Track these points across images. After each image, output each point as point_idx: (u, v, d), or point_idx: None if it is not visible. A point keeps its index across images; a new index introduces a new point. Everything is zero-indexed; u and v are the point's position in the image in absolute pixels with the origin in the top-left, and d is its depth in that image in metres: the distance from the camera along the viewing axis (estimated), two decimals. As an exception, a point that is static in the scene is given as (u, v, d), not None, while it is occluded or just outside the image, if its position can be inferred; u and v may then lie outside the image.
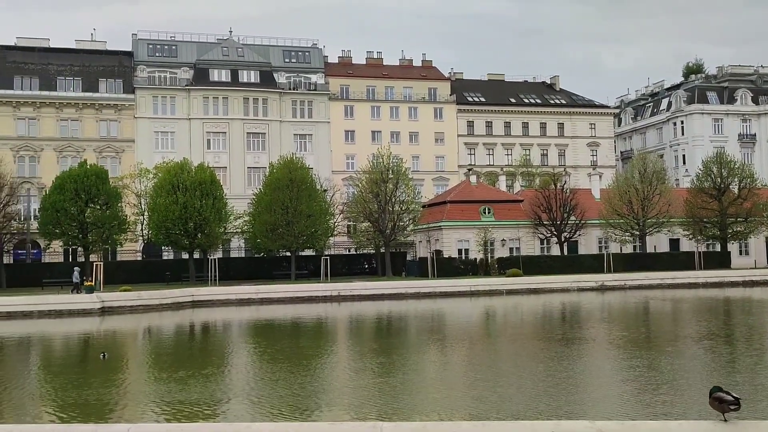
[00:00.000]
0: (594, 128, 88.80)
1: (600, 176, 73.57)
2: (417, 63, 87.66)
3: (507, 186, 73.47)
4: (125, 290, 44.51)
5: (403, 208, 63.23)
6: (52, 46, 75.41)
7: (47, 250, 65.34)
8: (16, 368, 23.65)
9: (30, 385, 19.57)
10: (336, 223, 66.53)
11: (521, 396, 16.14)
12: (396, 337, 30.29)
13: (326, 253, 63.72)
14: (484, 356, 23.07)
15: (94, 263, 51.63)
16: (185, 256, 61.89)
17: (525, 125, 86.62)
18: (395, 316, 39.69)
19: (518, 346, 25.21)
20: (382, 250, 64.00)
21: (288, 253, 61.79)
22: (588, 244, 66.81)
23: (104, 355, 23.65)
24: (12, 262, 63.58)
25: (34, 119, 71.73)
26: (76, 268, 49.70)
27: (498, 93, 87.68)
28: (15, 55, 73.56)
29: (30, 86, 72.48)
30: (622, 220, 62.34)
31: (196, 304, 45.07)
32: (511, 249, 64.25)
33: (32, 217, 64.14)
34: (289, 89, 78.87)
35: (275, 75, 78.91)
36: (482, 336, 29.93)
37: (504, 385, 17.37)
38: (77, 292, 44.33)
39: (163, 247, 65.54)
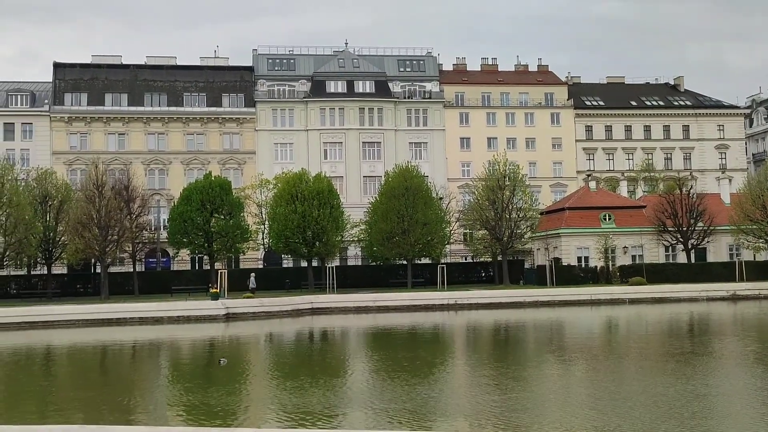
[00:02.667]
0: (723, 130, 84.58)
1: (730, 180, 69.93)
2: (533, 68, 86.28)
3: (628, 192, 70.98)
4: (248, 297, 45.86)
5: (521, 216, 62.23)
6: (178, 63, 78.95)
7: (176, 259, 68.30)
8: (147, 372, 24.77)
9: (159, 389, 20.40)
10: (452, 231, 66.23)
11: (648, 416, 15.38)
12: (514, 347, 29.75)
13: (442, 261, 63.50)
14: (607, 371, 22.07)
15: (219, 271, 53.53)
16: (304, 264, 63.22)
17: (647, 128, 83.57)
18: (513, 325, 39.04)
19: (643, 361, 24.14)
20: (499, 258, 63.18)
21: (404, 262, 62.01)
22: (717, 251, 63.58)
23: (223, 361, 24.35)
24: (144, 269, 66.78)
25: (163, 134, 75.29)
26: (252, 274, 52.03)
27: (618, 96, 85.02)
28: (145, 73, 77.52)
29: (159, 102, 76.16)
30: (755, 226, 58.92)
31: (315, 312, 45.89)
32: (633, 257, 62.03)
33: (162, 227, 67.26)
34: (404, 98, 79.34)
35: (390, 84, 79.59)
36: (604, 348, 28.92)
37: (628, 405, 16.57)
38: (251, 296, 47.15)
39: (282, 256, 67.24)
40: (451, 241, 66.74)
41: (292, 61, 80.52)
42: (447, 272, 56.60)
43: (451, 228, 65.52)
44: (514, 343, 31.51)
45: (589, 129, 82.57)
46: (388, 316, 44.21)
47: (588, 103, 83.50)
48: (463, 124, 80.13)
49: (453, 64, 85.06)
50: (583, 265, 61.02)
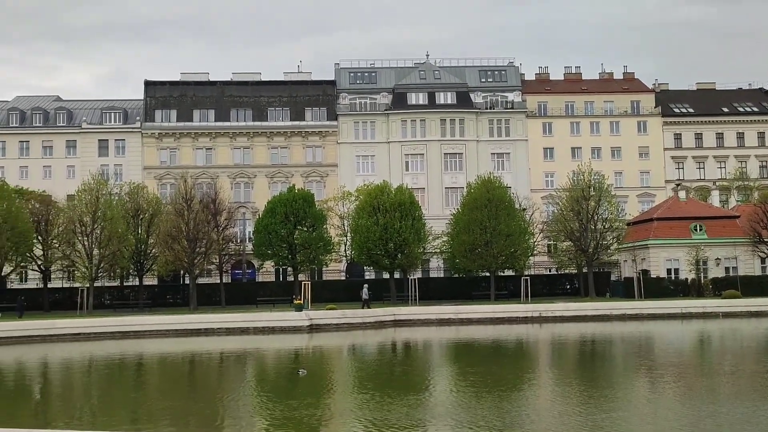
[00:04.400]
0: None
1: (831, 188, 66.55)
2: (618, 76, 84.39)
3: (720, 201, 68.40)
4: (331, 309, 46.25)
5: (606, 226, 60.76)
6: (263, 79, 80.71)
7: (260, 270, 69.54)
8: (233, 382, 25.21)
9: (244, 399, 20.71)
10: (536, 243, 65.22)
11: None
12: (601, 362, 28.97)
13: (526, 273, 62.58)
14: (701, 390, 21.00)
15: (303, 282, 54.20)
16: (386, 275, 63.36)
17: (740, 135, 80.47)
18: (600, 339, 38.06)
19: (740, 380, 23.07)
20: (585, 270, 61.82)
21: (487, 274, 61.40)
22: (818, 263, 60.52)
23: (302, 372, 24.53)
24: (230, 281, 68.21)
25: (248, 148, 77.00)
26: (365, 286, 52.80)
27: (708, 102, 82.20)
28: (231, 89, 79.51)
29: (244, 117, 77.97)
30: None
31: (397, 324, 45.88)
32: (726, 269, 59.64)
33: (247, 239, 68.65)
34: (486, 109, 78.83)
35: (471, 95, 79.23)
36: (697, 364, 27.82)
37: (727, 430, 15.81)
38: (367, 307, 47.94)
39: (365, 267, 67.57)
40: (535, 252, 65.68)
41: (373, 74, 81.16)
42: (531, 284, 55.71)
43: (534, 239, 64.52)
44: (601, 358, 30.68)
45: (678, 137, 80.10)
46: (471, 328, 43.80)
47: (677, 110, 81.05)
48: (547, 134, 78.99)
49: (535, 74, 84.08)
50: (673, 278, 59.11)
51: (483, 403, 18.42)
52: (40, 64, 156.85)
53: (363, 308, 48.28)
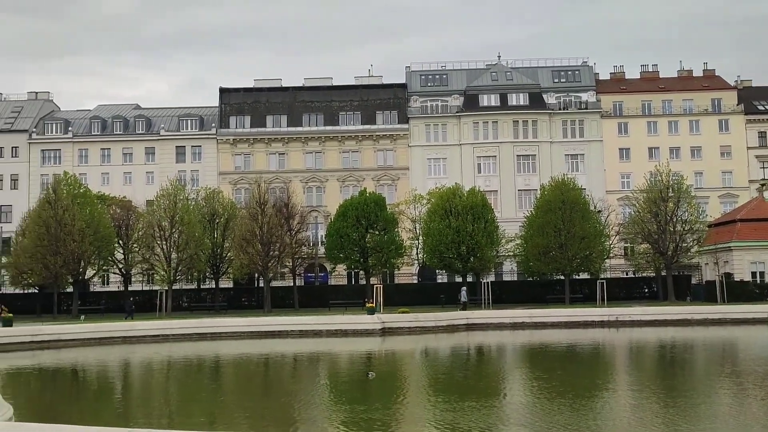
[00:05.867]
0: None
1: None
2: (697, 73, 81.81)
3: (809, 201, 65.50)
4: (403, 312, 46.16)
5: (686, 228, 58.98)
6: (334, 84, 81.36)
7: (333, 273, 70.02)
8: (305, 383, 25.36)
9: (316, 401, 20.79)
10: (612, 245, 63.74)
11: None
12: (681, 369, 28.00)
13: (602, 276, 61.21)
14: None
15: (375, 286, 54.30)
16: (459, 279, 62.93)
17: (829, 132, 77.01)
18: (680, 344, 36.86)
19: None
20: (663, 273, 60.11)
21: (561, 277, 60.34)
22: None
23: (371, 375, 24.49)
24: (303, 284, 68.92)
25: (320, 152, 77.70)
26: (463, 288, 53.12)
27: (794, 98, 78.90)
28: (303, 95, 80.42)
29: (316, 122, 78.74)
30: None
31: (470, 327, 45.46)
32: (816, 272, 57.10)
33: (319, 243, 69.23)
34: (559, 109, 77.57)
35: (544, 96, 78.07)
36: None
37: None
38: (463, 310, 48.42)
39: (437, 271, 67.28)
40: (611, 255, 64.22)
41: (444, 76, 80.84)
42: (607, 288, 54.45)
43: (610, 242, 63.09)
44: (681, 364, 29.66)
45: (762, 135, 77.13)
46: (545, 332, 43.05)
47: (761, 107, 78.03)
48: (622, 135, 77.19)
49: (610, 73, 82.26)
50: (758, 281, 56.89)
51: (558, 409, 17.99)
52: (120, 74, 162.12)
53: (461, 310, 48.62)
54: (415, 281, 70.52)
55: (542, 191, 62.79)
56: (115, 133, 79.23)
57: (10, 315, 45.87)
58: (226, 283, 66.51)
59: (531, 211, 63.11)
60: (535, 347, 36.78)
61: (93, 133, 79.15)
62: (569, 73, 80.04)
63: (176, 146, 78.24)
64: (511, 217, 71.97)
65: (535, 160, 76.30)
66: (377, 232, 60.36)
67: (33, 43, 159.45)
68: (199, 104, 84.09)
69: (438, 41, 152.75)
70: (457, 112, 77.47)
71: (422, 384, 24.50)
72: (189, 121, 79.34)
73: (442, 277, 69.55)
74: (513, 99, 77.86)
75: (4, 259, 63.39)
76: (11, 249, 62.96)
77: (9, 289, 65.94)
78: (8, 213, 75.94)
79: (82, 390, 25.23)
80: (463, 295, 51.93)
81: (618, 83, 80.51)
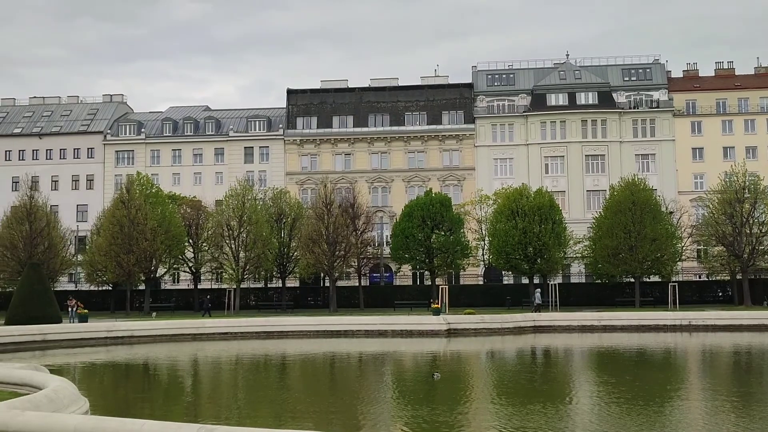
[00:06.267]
0: None
1: None
2: (776, 69, 79.02)
3: None
4: (469, 313, 45.85)
5: (763, 231, 57.02)
6: (400, 84, 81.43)
7: (398, 274, 70.09)
8: (370, 383, 25.39)
9: (381, 400, 20.77)
10: (684, 248, 62.06)
11: None
12: (758, 376, 26.99)
13: (673, 279, 59.65)
14: None
15: (440, 287, 54.12)
16: (525, 280, 62.21)
17: None
18: (757, 350, 35.58)
19: None
20: (739, 277, 58.21)
21: (631, 279, 59.05)
22: None
23: (436, 375, 24.35)
24: (368, 284, 69.18)
25: (386, 153, 77.87)
26: (537, 290, 53.06)
27: None
28: (369, 95, 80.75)
29: (382, 123, 78.95)
30: None
31: (537, 330, 44.85)
32: None
33: (385, 243, 69.37)
34: (629, 108, 75.92)
35: (614, 95, 76.54)
36: None
37: None
38: (537, 311, 48.25)
39: (503, 272, 66.67)
40: (683, 257, 62.52)
41: (511, 75, 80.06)
42: (678, 291, 53.04)
43: (682, 244, 61.43)
44: (758, 371, 28.59)
45: None
46: (615, 336, 42.14)
47: (843, 105, 74.90)
48: (695, 134, 75.10)
49: (683, 71, 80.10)
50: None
51: (627, 415, 17.54)
52: (191, 77, 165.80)
53: (534, 312, 48.18)
54: (481, 282, 70.02)
55: (612, 192, 61.64)
56: (185, 134, 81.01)
57: (86, 311, 47.45)
58: (292, 283, 67.29)
59: (600, 212, 62.00)
60: (603, 351, 36.04)
61: (165, 135, 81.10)
62: (640, 71, 78.29)
63: (244, 147, 79.53)
64: (579, 218, 70.81)
65: (604, 160, 74.88)
66: (443, 233, 60.19)
67: (108, 47, 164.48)
68: (267, 105, 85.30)
69: (505, 40, 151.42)
70: (524, 112, 76.58)
71: (487, 386, 24.24)
72: (257, 122, 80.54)
73: (508, 279, 68.90)
74: (581, 98, 76.58)
75: (80, 257, 65.47)
76: (87, 247, 64.97)
77: (84, 286, 68.13)
78: (84, 212, 78.41)
79: (153, 385, 25.82)
80: (537, 297, 51.44)
81: (691, 81, 78.35)
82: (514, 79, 79.68)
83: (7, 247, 58.89)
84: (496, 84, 79.50)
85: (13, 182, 78.11)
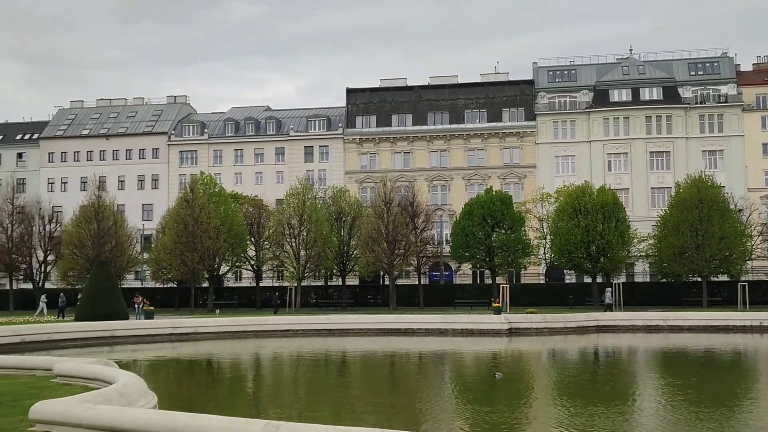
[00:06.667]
0: None
1: None
2: None
3: None
4: (531, 312, 45.35)
5: (838, 229, 54.94)
6: (459, 82, 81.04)
7: (458, 272, 69.76)
8: (431, 381, 25.32)
9: (441, 398, 20.68)
10: (754, 246, 60.20)
11: None
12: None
13: (743, 278, 57.90)
14: None
15: (501, 286, 53.67)
16: (588, 280, 61.23)
17: None
18: (833, 353, 34.24)
19: None
20: (813, 277, 56.24)
21: (698, 279, 57.56)
22: None
23: (498, 375, 24.11)
24: (428, 282, 69.07)
25: (445, 151, 77.58)
26: (608, 289, 52.41)
27: None
28: (428, 93, 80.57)
29: (441, 121, 78.69)
30: None
31: (600, 329, 44.07)
32: None
33: (444, 242, 69.12)
34: (696, 103, 73.98)
35: (680, 90, 74.72)
36: None
37: None
38: (608, 311, 48.03)
39: (565, 271, 65.76)
40: (753, 256, 60.66)
41: (573, 71, 78.94)
42: (749, 291, 51.43)
43: (752, 242, 59.60)
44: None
45: None
46: (681, 336, 41.09)
47: None
48: (766, 129, 72.82)
49: (753, 64, 77.71)
50: None
51: (694, 418, 17.05)
52: (251, 77, 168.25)
53: (605, 312, 47.52)
54: (542, 281, 69.21)
55: (677, 189, 60.24)
56: (247, 134, 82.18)
57: (152, 308, 48.56)
58: (352, 281, 67.62)
59: (665, 209, 60.66)
60: (669, 351, 35.20)
61: (227, 135, 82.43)
62: (707, 65, 76.25)
63: (305, 146, 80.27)
64: (643, 216, 69.41)
65: (670, 156, 73.22)
66: (503, 231, 59.69)
67: (169, 49, 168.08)
68: (326, 105, 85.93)
69: (566, 36, 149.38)
70: (586, 108, 75.41)
71: (549, 386, 23.91)
72: (317, 121, 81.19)
73: (570, 278, 67.97)
74: (646, 93, 75.01)
75: (145, 255, 67.03)
76: (152, 245, 66.48)
77: (150, 284, 69.75)
78: (150, 211, 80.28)
79: (217, 380, 26.24)
80: (608, 296, 50.65)
81: (761, 75, 75.91)
82: (575, 75, 78.53)
83: (76, 246, 60.64)
84: (557, 80, 78.45)
85: (81, 182, 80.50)
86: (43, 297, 54.08)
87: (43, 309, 51.96)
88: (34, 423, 10.71)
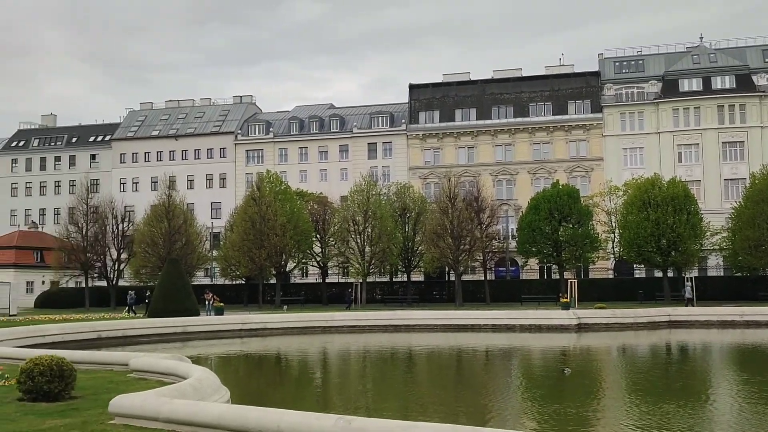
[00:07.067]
0: None
1: None
2: None
3: None
4: (599, 308, 44.59)
5: None
6: (524, 75, 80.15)
7: (524, 268, 69.09)
8: (498, 377, 25.15)
9: (509, 394, 20.52)
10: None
11: None
12: None
13: (824, 272, 55.82)
14: None
15: (569, 281, 52.93)
16: (658, 274, 59.87)
17: None
18: None
19: None
20: None
21: (775, 272, 55.75)
22: None
23: (567, 371, 23.77)
24: (493, 278, 68.59)
25: (510, 145, 76.88)
26: (687, 283, 51.81)
27: None
28: (492, 87, 79.92)
29: (505, 114, 77.98)
30: None
31: (672, 325, 43.03)
32: None
33: (510, 237, 68.51)
34: (771, 91, 71.53)
35: (753, 77, 72.30)
36: None
37: None
38: (688, 305, 47.27)
39: (634, 265, 64.44)
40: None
41: (640, 62, 77.26)
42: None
43: (833, 234, 57.26)
44: None
45: None
46: (759, 332, 39.77)
47: None
48: None
49: (832, 49, 74.73)
50: None
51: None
52: (314, 76, 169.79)
53: (686, 306, 46.65)
54: (611, 276, 68.01)
55: (752, 180, 58.41)
56: (311, 132, 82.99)
57: (221, 304, 49.51)
58: (417, 277, 67.65)
59: (739, 201, 58.89)
60: (745, 348, 34.12)
61: (291, 133, 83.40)
62: (783, 51, 73.68)
63: (368, 143, 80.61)
64: (716, 208, 67.54)
65: (743, 147, 71.02)
66: (571, 226, 58.87)
67: (235, 50, 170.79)
68: (389, 101, 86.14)
69: (632, 26, 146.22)
70: (654, 99, 73.70)
71: (619, 382, 23.46)
72: (380, 118, 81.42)
73: (639, 272, 66.63)
74: (717, 82, 72.88)
75: (214, 253, 68.36)
76: (221, 243, 67.74)
77: (219, 280, 71.11)
78: (218, 209, 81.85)
79: (285, 375, 26.60)
80: (687, 290, 49.56)
81: (841, 59, 72.97)
82: (643, 66, 76.82)
83: (148, 244, 62.22)
84: (624, 71, 76.88)
85: (152, 182, 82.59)
86: (131, 293, 55.76)
87: (131, 305, 53.57)
88: (114, 416, 11.05)
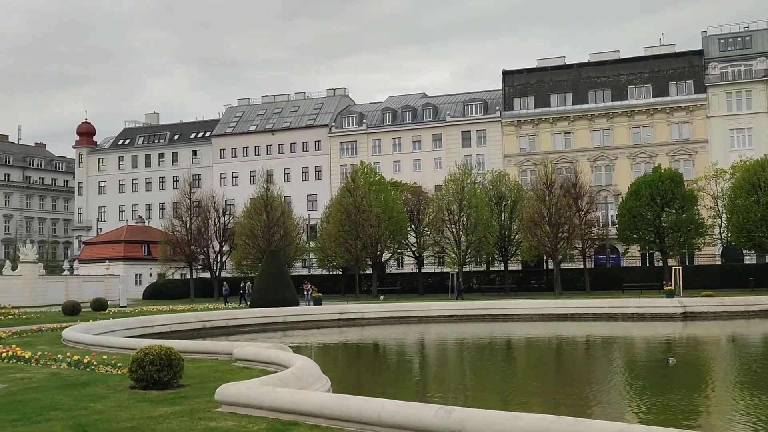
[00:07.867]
0: None
1: None
2: None
3: None
4: (707, 295, 42.94)
5: None
6: (621, 57, 77.79)
7: (625, 255, 67.24)
8: (600, 366, 24.59)
9: (611, 384, 20.04)
10: None
11: None
12: None
13: None
14: None
15: (673, 268, 51.24)
16: (769, 260, 57.20)
17: None
18: None
19: None
20: None
21: None
22: None
23: (672, 360, 22.99)
24: (593, 266, 67.06)
25: (608, 129, 74.87)
26: None
27: None
28: (588, 71, 77.97)
29: (603, 98, 75.95)
30: None
31: (786, 313, 40.95)
32: None
33: (610, 223, 66.79)
34: None
35: None
36: None
37: None
38: None
39: (744, 251, 61.73)
40: None
41: (747, 38, 73.76)
42: None
43: None
44: None
45: None
46: None
47: None
48: None
49: None
50: None
51: None
52: (405, 66, 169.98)
53: None
54: (718, 263, 65.38)
55: None
56: (404, 122, 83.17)
57: (319, 294, 50.32)
58: (514, 266, 66.91)
59: None
60: None
61: (384, 124, 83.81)
62: None
63: (461, 131, 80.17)
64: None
65: None
66: (674, 211, 56.91)
67: (325, 44, 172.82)
68: (482, 89, 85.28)
69: (735, 2, 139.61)
70: (763, 77, 70.27)
71: (727, 373, 22.50)
72: (473, 105, 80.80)
73: (749, 258, 63.82)
74: (834, 55, 68.80)
75: (311, 244, 69.53)
76: (318, 234, 68.82)
77: (317, 271, 72.31)
78: (314, 201, 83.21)
79: (383, 364, 26.81)
80: None
81: None
82: (750, 42, 73.31)
83: (248, 236, 63.86)
84: (729, 48, 73.56)
85: (250, 176, 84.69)
86: (247, 286, 54.38)
87: (244, 296, 53.30)
88: (220, 404, 11.39)
